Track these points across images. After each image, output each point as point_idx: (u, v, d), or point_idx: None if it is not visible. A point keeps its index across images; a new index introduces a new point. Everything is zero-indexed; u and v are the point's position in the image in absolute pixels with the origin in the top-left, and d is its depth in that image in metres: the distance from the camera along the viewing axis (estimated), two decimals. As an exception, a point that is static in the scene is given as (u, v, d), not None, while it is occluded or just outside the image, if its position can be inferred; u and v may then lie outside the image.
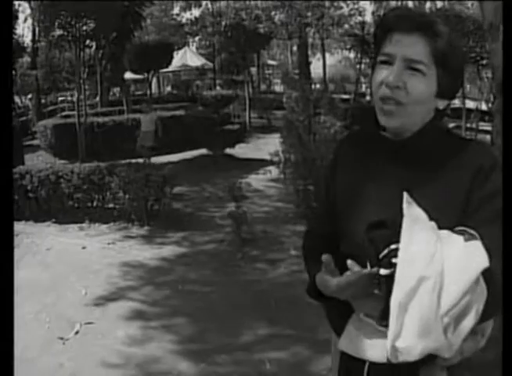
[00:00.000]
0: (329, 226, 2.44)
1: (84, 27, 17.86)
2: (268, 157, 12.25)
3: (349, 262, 2.09)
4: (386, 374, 2.20)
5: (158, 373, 5.61)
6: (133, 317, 6.88)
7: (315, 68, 46.64)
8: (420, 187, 2.14)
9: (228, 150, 19.89)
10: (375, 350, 2.18)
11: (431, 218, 2.01)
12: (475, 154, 2.19)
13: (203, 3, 49.61)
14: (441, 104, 2.24)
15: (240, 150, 20.13)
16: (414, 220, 1.96)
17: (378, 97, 2.18)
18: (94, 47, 21.09)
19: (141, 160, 13.84)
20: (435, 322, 1.88)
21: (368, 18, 48.79)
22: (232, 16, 34.10)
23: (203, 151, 19.71)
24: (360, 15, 43.39)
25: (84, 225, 11.30)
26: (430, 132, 2.23)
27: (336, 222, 2.39)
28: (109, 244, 10.07)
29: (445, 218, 2.05)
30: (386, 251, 1.95)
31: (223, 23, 34.26)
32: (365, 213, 2.21)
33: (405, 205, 1.98)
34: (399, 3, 49.19)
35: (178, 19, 51.74)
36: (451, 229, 2.04)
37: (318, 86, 31.72)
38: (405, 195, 2.01)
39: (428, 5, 39.94)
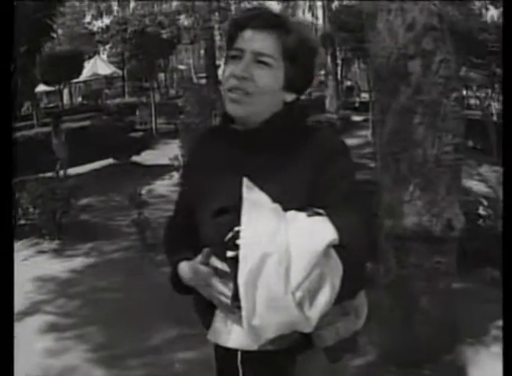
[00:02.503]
0: (185, 221, 2.49)
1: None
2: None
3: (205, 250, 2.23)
4: (260, 362, 2.28)
5: (75, 382, 5.78)
6: (49, 330, 7.02)
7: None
8: (267, 173, 2.22)
9: (134, 158, 19.99)
10: (243, 338, 2.20)
11: (277, 201, 2.11)
12: (321, 141, 2.30)
13: (114, 10, 49.25)
14: (289, 97, 2.33)
15: (147, 157, 20.24)
16: (254, 202, 2.06)
17: (226, 88, 2.27)
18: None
19: (49, 174, 13.84)
20: (285, 296, 1.92)
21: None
22: (136, 23, 33.91)
23: (111, 160, 19.77)
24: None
25: (-3, 243, 11.24)
26: (276, 122, 2.30)
27: (191, 217, 2.43)
28: (22, 260, 10.14)
29: (293, 202, 2.13)
30: (230, 234, 2.04)
31: (128, 31, 34.03)
32: (212, 203, 2.26)
33: (244, 189, 2.08)
34: (306, 3, 49.65)
35: (90, 27, 51.17)
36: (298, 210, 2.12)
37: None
38: (245, 180, 2.11)
39: (336, 2, 40.17)
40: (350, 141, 22.75)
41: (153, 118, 28.29)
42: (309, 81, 2.41)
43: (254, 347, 2.17)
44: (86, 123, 21.91)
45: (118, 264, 9.54)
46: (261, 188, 2.13)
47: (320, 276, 1.97)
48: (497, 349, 5.57)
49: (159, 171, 17.66)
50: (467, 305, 6.31)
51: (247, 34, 2.27)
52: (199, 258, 2.23)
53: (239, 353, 2.31)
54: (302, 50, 2.29)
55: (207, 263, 2.21)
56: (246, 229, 2.01)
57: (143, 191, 11.34)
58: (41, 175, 14.53)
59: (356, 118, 32.02)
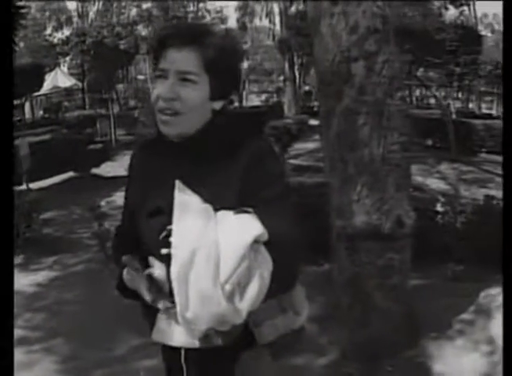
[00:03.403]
0: (130, 229, 2.56)
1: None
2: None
3: (150, 258, 2.34)
4: (203, 360, 2.38)
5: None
6: (19, 343, 6.87)
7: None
8: (198, 179, 2.30)
9: (94, 170, 19.93)
10: (185, 336, 2.29)
11: (208, 202, 2.22)
12: (250, 145, 2.37)
13: (74, 22, 49.05)
14: (217, 105, 2.43)
15: (107, 169, 20.19)
16: (185, 203, 2.17)
17: (156, 110, 2.38)
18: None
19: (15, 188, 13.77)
20: (215, 289, 2.03)
21: (232, 25, 49.15)
22: (95, 34, 33.83)
23: (71, 173, 19.67)
24: (223, 23, 43.74)
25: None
26: (207, 131, 2.39)
27: (135, 224, 2.52)
28: (-12, 276, 10.06)
29: (224, 202, 2.23)
30: (164, 233, 2.17)
31: (87, 42, 33.96)
32: (148, 206, 2.41)
33: (176, 191, 2.19)
34: (263, 9, 49.73)
35: (51, 39, 50.88)
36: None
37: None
38: (177, 182, 2.21)
39: (293, 8, 40.34)
40: (307, 145, 22.74)
41: (113, 130, 28.10)
42: (235, 85, 2.52)
43: (196, 344, 2.28)
44: (46, 137, 21.77)
45: (81, 276, 9.54)
46: (194, 192, 2.23)
47: (249, 270, 2.07)
48: (461, 342, 5.67)
49: (118, 182, 17.38)
50: (429, 300, 6.40)
51: (170, 53, 2.35)
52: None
53: (182, 351, 2.40)
54: (223, 60, 2.38)
55: (135, 268, 2.34)
56: (177, 228, 2.13)
57: (103, 203, 11.35)
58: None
59: (314, 122, 32.10)
